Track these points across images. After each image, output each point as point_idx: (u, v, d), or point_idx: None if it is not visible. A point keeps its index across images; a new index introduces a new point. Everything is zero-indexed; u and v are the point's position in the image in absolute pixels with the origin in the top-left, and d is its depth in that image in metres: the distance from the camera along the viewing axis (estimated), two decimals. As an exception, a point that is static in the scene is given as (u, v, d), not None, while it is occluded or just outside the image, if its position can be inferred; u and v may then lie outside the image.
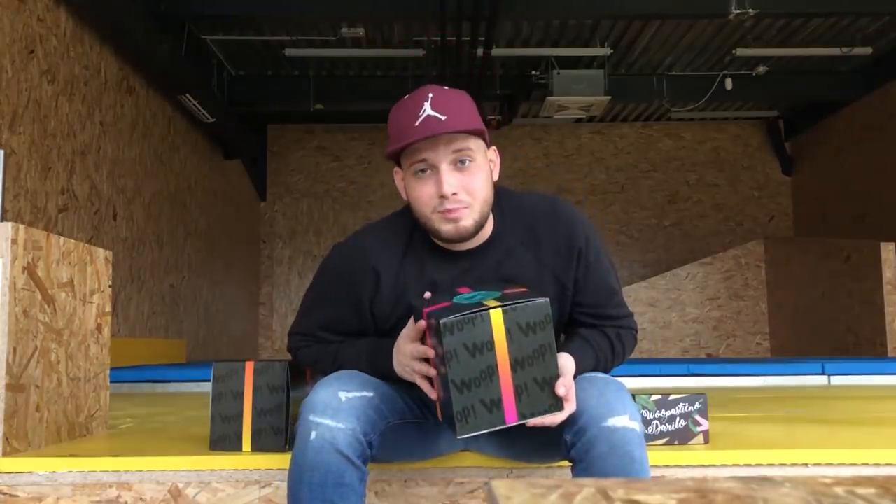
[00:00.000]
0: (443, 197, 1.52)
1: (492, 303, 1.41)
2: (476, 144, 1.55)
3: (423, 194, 1.55)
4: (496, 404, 1.37)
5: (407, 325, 1.56)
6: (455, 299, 1.48)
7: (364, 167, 11.13)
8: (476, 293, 1.50)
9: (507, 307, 1.38)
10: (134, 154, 6.77)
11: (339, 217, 10.94)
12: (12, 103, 4.76)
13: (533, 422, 1.41)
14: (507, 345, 1.38)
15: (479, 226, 1.58)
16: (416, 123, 1.49)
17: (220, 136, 9.06)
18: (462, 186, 1.53)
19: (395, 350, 1.58)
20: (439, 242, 1.63)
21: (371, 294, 1.65)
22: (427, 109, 1.49)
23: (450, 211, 1.53)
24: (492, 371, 1.37)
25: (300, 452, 1.47)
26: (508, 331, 1.38)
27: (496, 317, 1.38)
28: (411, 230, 1.66)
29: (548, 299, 1.40)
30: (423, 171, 1.54)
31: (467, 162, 1.53)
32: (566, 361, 1.48)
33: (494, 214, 1.64)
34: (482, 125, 1.56)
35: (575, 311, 1.68)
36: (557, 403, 1.40)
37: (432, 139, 1.50)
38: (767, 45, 8.37)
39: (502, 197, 1.67)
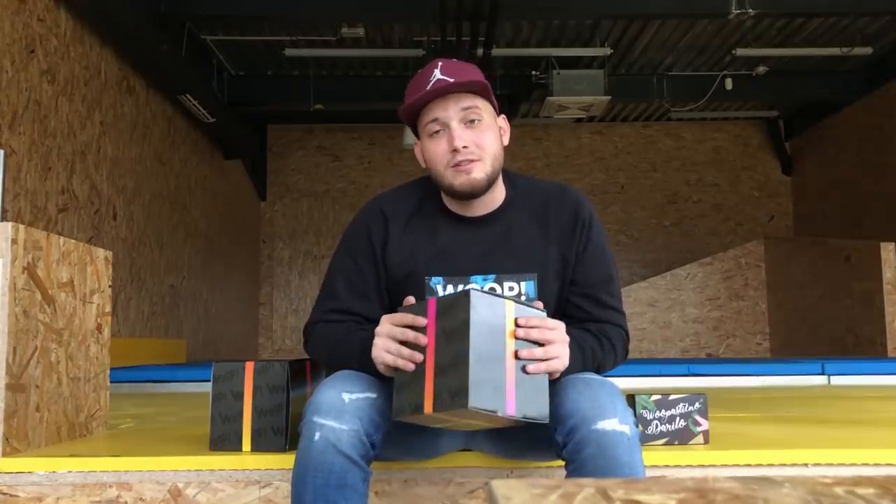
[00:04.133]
0: (455, 151, 1.62)
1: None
2: (484, 105, 1.66)
3: (437, 151, 1.65)
4: (500, 390, 1.38)
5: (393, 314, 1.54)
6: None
7: (364, 167, 11.13)
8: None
9: (517, 301, 1.44)
10: (134, 154, 6.76)
11: (339, 217, 10.93)
12: (12, 103, 4.76)
13: (531, 368, 1.41)
14: (514, 335, 1.42)
15: (490, 181, 1.66)
16: (427, 87, 1.62)
17: (220, 136, 9.06)
18: (472, 141, 1.63)
19: (377, 330, 1.54)
20: (451, 206, 1.72)
21: (382, 238, 1.71)
22: (437, 75, 1.63)
23: (461, 164, 1.62)
24: (501, 356, 1.39)
25: (304, 453, 1.47)
26: (516, 321, 1.42)
27: (509, 307, 1.43)
28: (425, 194, 1.76)
29: (545, 312, 1.47)
30: (437, 131, 1.65)
31: (476, 121, 1.64)
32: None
33: (506, 188, 1.74)
34: (487, 83, 1.65)
35: (570, 291, 1.70)
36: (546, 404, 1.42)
37: (442, 99, 1.62)
38: (767, 45, 8.37)
39: (515, 177, 1.77)
